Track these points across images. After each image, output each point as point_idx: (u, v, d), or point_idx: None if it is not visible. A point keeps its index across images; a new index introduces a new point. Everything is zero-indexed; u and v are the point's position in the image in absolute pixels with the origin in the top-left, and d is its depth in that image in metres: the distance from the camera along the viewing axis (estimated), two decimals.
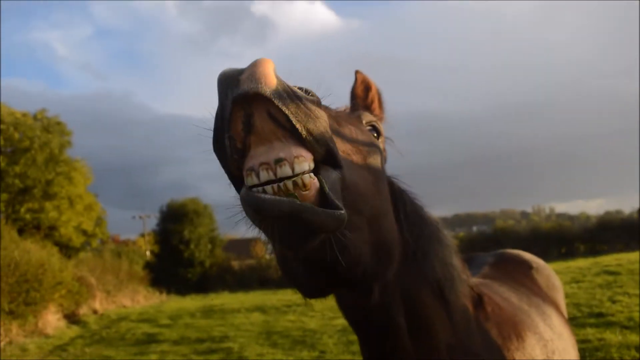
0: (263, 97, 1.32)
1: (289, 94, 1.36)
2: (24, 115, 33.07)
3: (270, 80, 1.34)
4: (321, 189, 1.37)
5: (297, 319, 18.24)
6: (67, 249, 31.78)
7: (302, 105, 1.37)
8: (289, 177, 1.33)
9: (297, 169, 1.34)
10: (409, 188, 2.35)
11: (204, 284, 41.52)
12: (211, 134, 1.45)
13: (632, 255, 26.59)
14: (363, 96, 2.45)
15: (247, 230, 1.77)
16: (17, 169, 30.19)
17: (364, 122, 2.10)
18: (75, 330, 20.94)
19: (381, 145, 2.18)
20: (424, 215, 2.32)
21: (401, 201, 2.23)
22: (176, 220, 43.06)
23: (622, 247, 38.72)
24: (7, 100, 38.35)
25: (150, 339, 17.26)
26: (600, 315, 13.06)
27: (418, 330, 2.09)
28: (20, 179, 30.36)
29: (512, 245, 36.79)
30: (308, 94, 1.45)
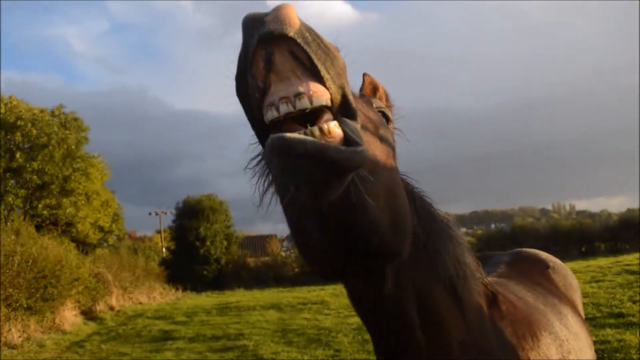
0: (287, 37, 1.40)
1: (311, 34, 1.45)
2: (42, 111, 33.43)
3: (294, 21, 1.42)
4: (343, 134, 1.41)
5: (312, 317, 18.24)
6: (84, 245, 32.04)
7: (322, 45, 1.46)
8: (306, 109, 1.39)
9: (315, 103, 1.40)
10: (417, 185, 2.34)
11: (219, 281, 41.74)
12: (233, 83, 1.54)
13: None
14: (371, 96, 2.46)
15: (264, 184, 1.99)
16: (35, 165, 30.48)
17: (374, 106, 2.12)
18: (91, 326, 21.16)
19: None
20: (433, 212, 2.30)
21: (410, 197, 2.19)
22: (192, 217, 43.30)
23: None
24: (25, 97, 38.74)
25: (166, 336, 17.39)
26: (620, 315, 12.87)
27: (430, 327, 2.05)
28: (38, 175, 30.67)
29: (531, 244, 36.63)
30: None
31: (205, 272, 42.39)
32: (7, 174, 30.56)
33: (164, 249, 51.17)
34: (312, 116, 1.42)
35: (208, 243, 42.66)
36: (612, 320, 12.50)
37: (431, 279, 2.10)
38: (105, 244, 38.73)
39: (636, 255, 29.09)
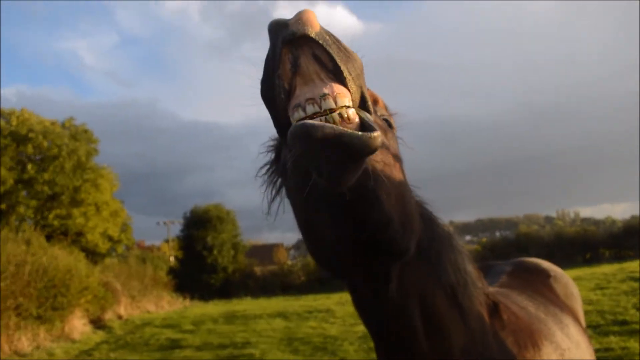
0: (309, 38, 1.50)
1: (331, 37, 1.55)
2: (53, 123, 33.81)
3: (315, 24, 1.52)
4: (360, 121, 1.51)
5: (318, 325, 18.28)
6: (93, 255, 32.28)
7: (342, 47, 1.55)
8: (332, 109, 1.47)
9: (339, 103, 1.48)
10: (418, 193, 2.41)
11: (226, 290, 41.68)
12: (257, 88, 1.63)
13: None
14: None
15: (272, 192, 2.18)
16: (46, 176, 30.82)
17: (378, 114, 2.19)
18: (100, 335, 21.27)
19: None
20: (435, 220, 2.39)
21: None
22: (200, 226, 43.34)
23: None
24: (36, 109, 39.19)
25: (174, 345, 17.47)
26: (624, 323, 12.86)
27: (433, 332, 2.12)
28: (48, 186, 30.99)
29: (535, 251, 36.53)
30: None
31: (212, 281, 42.39)
32: (19, 185, 30.90)
33: (171, 258, 51.24)
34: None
35: (215, 252, 42.69)
36: (616, 328, 12.48)
37: (433, 285, 2.18)
38: (114, 254, 38.84)
39: None
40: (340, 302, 23.74)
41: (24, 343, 17.09)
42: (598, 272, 25.46)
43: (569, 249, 40.59)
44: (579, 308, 3.87)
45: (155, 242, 73.50)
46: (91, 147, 34.58)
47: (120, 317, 25.56)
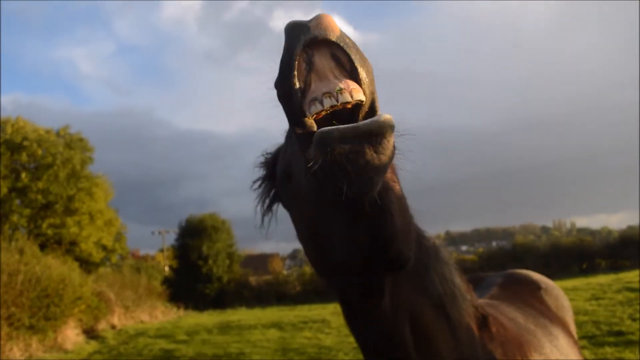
0: (329, 41, 1.55)
1: (350, 40, 1.59)
2: (47, 132, 33.75)
3: (335, 28, 1.56)
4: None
5: (313, 335, 18.22)
6: (87, 264, 32.18)
7: (359, 50, 1.60)
8: (349, 103, 1.51)
9: (355, 97, 1.52)
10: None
11: (221, 300, 41.56)
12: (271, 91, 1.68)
13: None
14: None
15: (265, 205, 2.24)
16: (40, 184, 30.75)
17: None
18: (93, 345, 21.15)
19: None
20: (421, 232, 2.38)
21: None
22: (195, 236, 43.27)
23: None
24: (32, 118, 39.09)
25: (167, 355, 17.38)
26: (619, 333, 12.87)
27: (422, 345, 2.12)
28: (42, 194, 30.90)
29: (532, 261, 36.50)
30: None
31: (207, 291, 42.25)
32: (13, 194, 30.82)
33: (166, 268, 51.11)
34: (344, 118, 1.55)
35: (210, 262, 42.58)
36: (611, 339, 12.49)
37: (421, 298, 2.18)
38: (108, 263, 38.69)
39: (636, 272, 28.97)
40: (336, 312, 23.62)
41: (16, 353, 16.98)
42: (594, 283, 25.49)
43: (565, 259, 40.64)
44: (570, 320, 3.86)
45: (150, 251, 73.51)
46: (86, 156, 34.53)
47: (113, 327, 25.44)
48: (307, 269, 44.94)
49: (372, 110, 1.61)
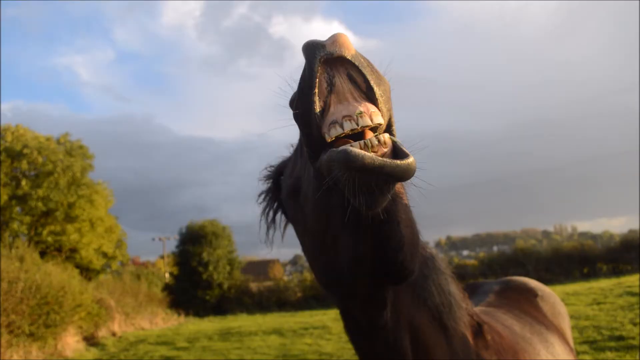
0: (345, 59, 1.55)
1: (365, 60, 1.59)
2: (48, 139, 33.84)
3: (350, 47, 1.58)
4: (393, 146, 1.54)
5: (313, 342, 18.17)
6: (87, 271, 32.17)
7: (374, 70, 1.61)
8: (368, 126, 1.52)
9: (375, 121, 1.52)
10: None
11: (222, 306, 41.50)
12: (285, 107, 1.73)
13: None
14: None
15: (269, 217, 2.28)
16: (40, 192, 30.76)
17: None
18: (93, 352, 21.10)
19: None
20: (421, 243, 2.37)
21: None
22: (195, 242, 43.23)
23: None
24: (32, 125, 39.26)
25: None
26: (620, 338, 12.83)
27: (420, 356, 2.13)
28: (43, 202, 30.93)
29: (533, 266, 36.42)
30: None
31: (207, 297, 42.18)
32: (13, 201, 30.85)
33: (167, 274, 51.06)
34: (361, 135, 1.55)
35: (211, 268, 42.52)
36: (612, 343, 12.46)
37: (420, 308, 2.20)
38: (108, 270, 38.73)
39: (638, 276, 28.97)
40: (337, 319, 23.47)
41: None
42: (595, 287, 25.41)
43: (566, 263, 40.50)
44: (567, 327, 3.86)
45: (151, 258, 73.56)
46: (86, 163, 34.57)
47: (114, 334, 25.39)
48: (308, 275, 44.86)
49: (389, 128, 1.64)
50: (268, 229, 2.48)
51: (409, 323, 2.11)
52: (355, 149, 1.42)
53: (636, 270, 36.89)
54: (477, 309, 2.99)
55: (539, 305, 3.74)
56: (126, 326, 27.74)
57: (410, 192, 2.04)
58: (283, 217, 2.47)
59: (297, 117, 1.66)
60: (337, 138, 1.55)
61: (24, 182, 30.75)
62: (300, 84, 1.61)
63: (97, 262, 35.11)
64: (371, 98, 1.56)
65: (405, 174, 1.43)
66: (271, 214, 2.46)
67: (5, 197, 30.10)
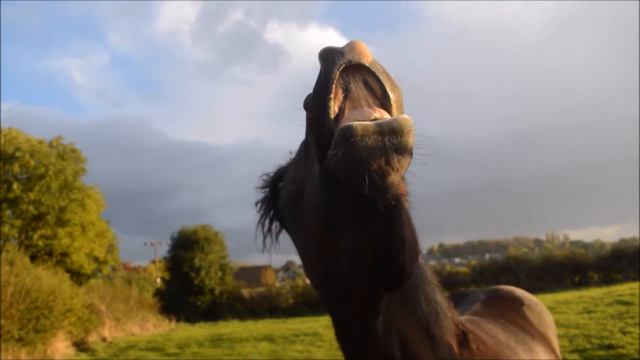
0: (363, 66, 1.59)
1: (381, 67, 1.63)
2: (40, 142, 33.70)
3: (368, 54, 1.61)
4: None
5: (304, 349, 18.14)
6: (78, 276, 32.04)
7: (390, 77, 1.64)
8: None
9: None
10: None
11: (213, 312, 41.33)
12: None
13: None
14: None
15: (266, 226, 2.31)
16: (32, 195, 30.62)
17: None
18: (83, 358, 21.00)
19: None
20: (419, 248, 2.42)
21: None
22: (187, 247, 43.06)
23: (636, 275, 38.17)
24: (26, 128, 39.17)
25: None
26: (610, 347, 12.89)
27: None
28: (34, 205, 30.78)
29: (524, 274, 36.53)
30: None
31: (199, 303, 41.99)
32: (4, 205, 30.67)
33: (158, 279, 50.84)
34: None
35: (203, 273, 42.35)
36: (602, 352, 12.53)
37: (409, 317, 2.20)
38: (99, 275, 38.55)
39: (628, 285, 29.17)
40: (328, 326, 23.49)
41: None
42: (586, 296, 25.49)
43: (558, 272, 40.66)
44: (553, 336, 3.88)
45: (142, 262, 73.29)
46: (79, 167, 34.46)
47: (104, 339, 25.24)
48: (300, 281, 44.78)
49: None
50: (264, 236, 2.48)
51: (399, 332, 2.11)
52: (350, 123, 1.46)
53: (627, 279, 37.16)
54: (463, 318, 3.00)
55: (526, 314, 3.75)
56: (117, 331, 27.58)
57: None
58: (278, 224, 2.48)
59: (310, 121, 1.70)
60: None
61: (15, 185, 30.57)
62: (315, 88, 1.65)
63: (88, 267, 34.94)
64: (385, 105, 1.60)
65: (401, 126, 1.44)
66: (267, 220, 2.46)
67: None
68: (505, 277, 38.45)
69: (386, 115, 1.55)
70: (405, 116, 1.47)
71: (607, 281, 38.84)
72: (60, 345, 20.45)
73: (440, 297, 2.45)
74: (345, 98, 1.59)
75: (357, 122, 1.44)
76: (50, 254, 32.31)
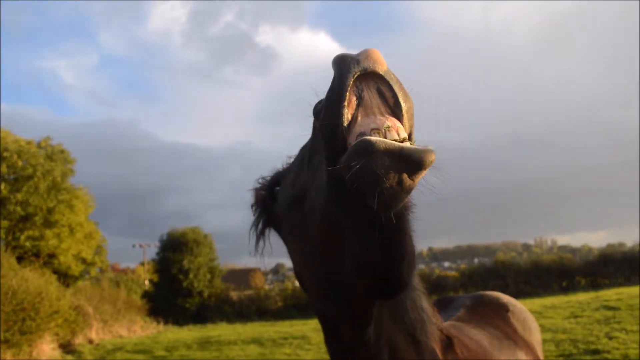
0: (377, 75, 1.60)
1: (394, 76, 1.64)
2: (28, 143, 33.38)
3: (383, 62, 1.62)
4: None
5: (292, 352, 18.12)
6: (65, 277, 31.72)
7: (403, 86, 1.65)
8: (396, 140, 1.52)
9: (401, 136, 1.56)
10: None
11: (202, 315, 41.22)
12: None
13: (633, 290, 26.46)
14: None
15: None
16: (19, 196, 30.33)
17: None
18: None
19: None
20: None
21: None
22: (176, 249, 42.93)
23: (622, 281, 38.57)
24: (14, 128, 38.77)
25: None
26: (596, 352, 13.01)
27: None
28: (21, 206, 30.49)
29: (513, 278, 36.74)
30: None
31: (187, 305, 41.85)
32: None
33: (146, 282, 50.59)
34: None
35: (191, 276, 42.23)
36: (587, 357, 12.65)
37: (397, 324, 2.21)
38: (87, 276, 38.27)
39: (615, 290, 29.45)
40: (317, 329, 23.51)
41: None
42: (573, 301, 25.70)
43: (545, 276, 40.98)
44: (537, 342, 3.90)
45: (131, 264, 72.77)
46: (67, 168, 34.21)
47: (91, 341, 25.05)
48: (289, 284, 44.78)
49: (410, 138, 1.68)
50: (258, 240, 2.47)
51: (388, 339, 2.12)
52: (374, 137, 1.47)
53: (614, 285, 37.55)
54: (447, 324, 3.03)
55: (510, 321, 3.77)
56: (104, 333, 27.40)
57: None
58: (272, 228, 2.47)
59: (322, 127, 1.68)
60: None
61: (2, 186, 30.22)
62: (329, 95, 1.65)
63: (76, 268, 34.66)
64: (396, 114, 1.61)
65: (423, 157, 1.45)
66: (261, 225, 2.45)
67: None
68: (493, 282, 38.68)
69: (397, 124, 1.57)
70: (430, 148, 1.47)
71: (594, 286, 39.19)
72: (47, 347, 20.27)
73: (426, 304, 2.46)
74: (358, 105, 1.59)
75: (378, 139, 1.44)
76: (37, 255, 32.04)
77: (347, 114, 1.58)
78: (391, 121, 1.57)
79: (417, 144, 1.61)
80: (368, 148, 1.43)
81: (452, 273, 48.64)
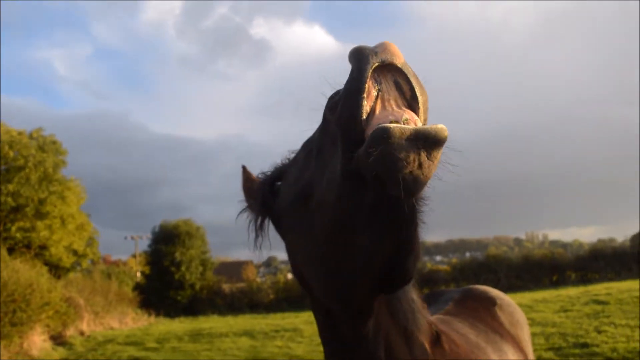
0: (394, 67, 1.60)
1: (411, 69, 1.64)
2: (20, 133, 33.18)
3: (400, 55, 1.62)
4: None
5: (284, 344, 18.16)
6: (56, 269, 31.60)
7: (419, 80, 1.65)
8: None
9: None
10: None
11: (193, 307, 41.24)
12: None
13: (622, 284, 26.74)
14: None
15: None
16: (11, 187, 30.19)
17: None
18: (60, 352, 20.78)
19: None
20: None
21: None
22: (168, 242, 42.88)
23: (612, 275, 38.92)
24: (6, 119, 38.49)
25: None
26: (585, 345, 13.12)
27: None
28: (12, 197, 30.34)
29: (504, 273, 36.93)
30: None
31: (179, 298, 41.86)
32: None
33: (138, 274, 50.51)
34: None
35: (183, 268, 42.22)
36: (576, 351, 12.76)
37: (392, 319, 2.20)
38: (78, 268, 38.18)
39: (604, 285, 29.68)
40: (309, 321, 23.57)
41: None
42: (563, 295, 25.87)
43: (536, 270, 41.28)
44: (524, 336, 3.89)
45: (123, 256, 72.63)
46: (59, 159, 34.07)
47: (82, 333, 25.02)
48: (281, 277, 44.86)
49: None
50: (257, 235, 2.45)
51: (385, 333, 2.12)
52: (392, 124, 1.47)
53: (603, 279, 37.86)
54: (434, 318, 3.02)
55: (497, 314, 3.76)
56: (95, 325, 27.36)
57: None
58: (271, 222, 2.44)
59: (339, 119, 1.67)
60: None
61: None
62: (347, 86, 1.64)
63: (67, 260, 34.59)
64: (413, 107, 1.61)
65: (439, 132, 1.46)
66: (260, 220, 2.43)
67: None
68: (485, 276, 38.91)
69: (415, 117, 1.57)
70: (442, 126, 1.48)
71: (584, 281, 39.51)
72: (37, 339, 20.21)
73: (416, 297, 2.43)
74: (376, 98, 1.59)
75: (394, 125, 1.45)
76: (28, 246, 31.93)
77: (366, 106, 1.58)
78: (409, 114, 1.57)
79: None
80: (385, 134, 1.44)
81: (444, 267, 48.86)
